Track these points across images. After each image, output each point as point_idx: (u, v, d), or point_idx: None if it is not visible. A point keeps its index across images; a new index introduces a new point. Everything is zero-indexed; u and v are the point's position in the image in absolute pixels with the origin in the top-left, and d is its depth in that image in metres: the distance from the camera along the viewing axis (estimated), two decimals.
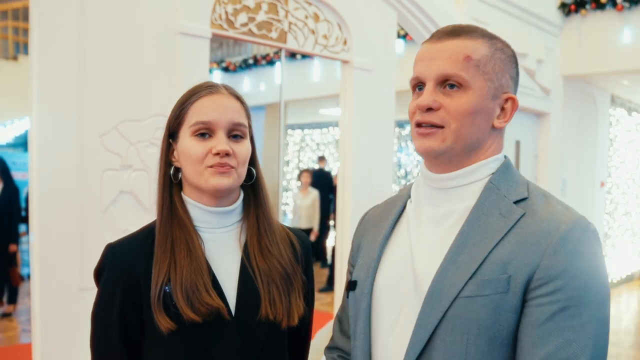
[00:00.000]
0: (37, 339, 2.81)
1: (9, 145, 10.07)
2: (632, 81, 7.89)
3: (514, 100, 1.14)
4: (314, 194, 8.87)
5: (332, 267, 7.95)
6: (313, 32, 3.99)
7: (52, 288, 2.83)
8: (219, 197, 1.29)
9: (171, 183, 1.32)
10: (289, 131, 14.00)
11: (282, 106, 4.22)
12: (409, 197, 1.25)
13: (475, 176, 1.13)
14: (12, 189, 6.46)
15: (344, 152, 4.35)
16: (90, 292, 3.00)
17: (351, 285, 1.23)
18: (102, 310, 1.29)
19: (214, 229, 1.31)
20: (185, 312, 1.19)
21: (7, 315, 6.45)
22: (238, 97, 1.33)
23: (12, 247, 6.41)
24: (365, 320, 1.18)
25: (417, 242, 1.15)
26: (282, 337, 1.31)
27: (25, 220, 7.84)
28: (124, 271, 1.27)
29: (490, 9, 5.86)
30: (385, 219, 1.26)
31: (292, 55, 8.91)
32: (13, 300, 6.57)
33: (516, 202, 1.09)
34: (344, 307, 1.35)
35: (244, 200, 1.36)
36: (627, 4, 6.57)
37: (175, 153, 1.32)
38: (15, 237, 6.49)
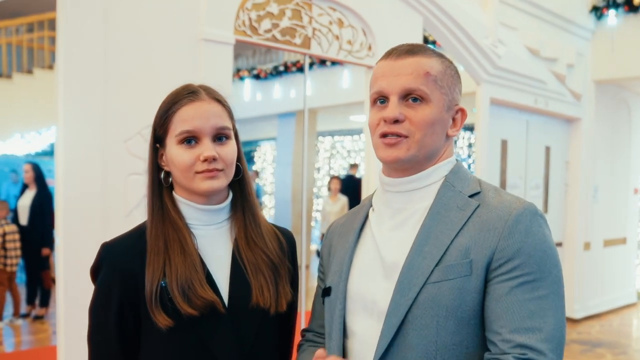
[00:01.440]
0: (62, 341, 2.84)
1: (45, 153, 10.27)
2: None
3: (463, 111, 1.27)
4: (343, 200, 8.91)
5: None
6: (337, 37, 3.98)
7: (76, 291, 2.86)
8: (210, 196, 1.34)
9: (160, 186, 1.37)
10: (320, 138, 14.01)
11: (306, 112, 4.21)
12: (371, 205, 1.34)
13: (432, 178, 1.23)
14: (45, 194, 6.59)
15: (368, 158, 4.33)
16: None
17: (326, 292, 1.32)
18: (100, 307, 1.32)
19: (206, 226, 1.35)
20: (183, 307, 1.23)
21: (39, 317, 6.58)
22: (219, 100, 1.36)
23: (45, 251, 6.55)
24: (340, 321, 1.25)
25: (383, 243, 1.24)
26: (272, 323, 1.36)
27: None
28: (121, 268, 1.30)
29: (519, 13, 5.79)
30: (351, 228, 1.35)
31: (322, 62, 8.94)
32: (45, 303, 6.70)
33: (471, 196, 1.20)
34: (314, 317, 1.45)
35: (233, 197, 1.41)
36: None
37: (164, 158, 1.36)
38: (48, 241, 6.62)
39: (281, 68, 10.12)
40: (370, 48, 4.19)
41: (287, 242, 1.46)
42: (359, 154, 13.22)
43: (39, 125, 9.39)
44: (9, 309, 6.58)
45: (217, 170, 1.29)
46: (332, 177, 9.74)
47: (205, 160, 1.27)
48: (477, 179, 1.26)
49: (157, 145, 1.37)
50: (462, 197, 1.20)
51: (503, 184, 5.92)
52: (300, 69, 9.68)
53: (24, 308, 6.73)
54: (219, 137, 1.31)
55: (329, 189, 9.31)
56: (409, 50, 1.22)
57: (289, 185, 10.85)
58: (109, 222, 2.97)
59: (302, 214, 4.37)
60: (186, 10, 3.23)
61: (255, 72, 10.56)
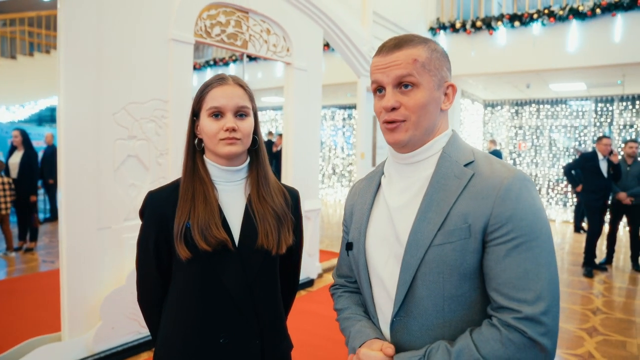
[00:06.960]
0: (64, 267, 2.68)
1: (26, 121, 9.42)
2: (476, 81, 8.20)
3: (453, 86, 1.06)
4: None
5: None
6: (266, 41, 3.88)
7: (75, 228, 2.69)
8: (230, 159, 1.26)
9: (194, 150, 1.28)
10: None
11: None
12: (383, 173, 1.16)
13: (432, 150, 1.04)
14: (32, 154, 5.98)
15: (287, 133, 4.31)
16: (105, 231, 2.85)
17: (349, 246, 1.15)
18: (143, 240, 1.25)
19: (226, 183, 1.28)
20: (200, 244, 1.17)
21: (29, 250, 6.04)
22: (242, 85, 1.27)
23: (33, 198, 5.98)
24: (364, 272, 1.09)
25: (393, 206, 1.06)
26: (273, 261, 1.29)
27: (41, 177, 7.32)
28: (158, 211, 1.23)
29: (384, 29, 5.92)
30: (368, 191, 1.17)
31: (251, 58, 8.69)
32: (34, 238, 6.15)
33: (465, 165, 1.00)
34: (341, 264, 1.26)
35: (249, 161, 1.33)
36: (473, 30, 6.81)
37: (198, 128, 1.27)
38: (34, 190, 6.05)
39: (211, 62, 9.70)
40: (288, 50, 4.12)
41: (291, 198, 1.38)
42: (266, 124, 13.02)
43: (23, 100, 8.76)
44: (2, 245, 5.98)
45: (236, 139, 1.21)
46: None
47: (227, 129, 1.20)
48: (471, 148, 1.05)
49: (194, 118, 1.27)
50: (458, 166, 1.00)
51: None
52: (226, 64, 9.37)
53: (16, 244, 6.14)
54: (240, 114, 1.23)
55: None
56: (396, 45, 1.01)
57: None
58: (100, 175, 2.80)
59: None
60: (159, 16, 3.04)
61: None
